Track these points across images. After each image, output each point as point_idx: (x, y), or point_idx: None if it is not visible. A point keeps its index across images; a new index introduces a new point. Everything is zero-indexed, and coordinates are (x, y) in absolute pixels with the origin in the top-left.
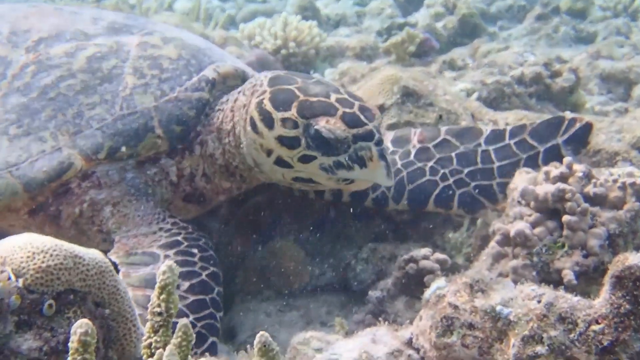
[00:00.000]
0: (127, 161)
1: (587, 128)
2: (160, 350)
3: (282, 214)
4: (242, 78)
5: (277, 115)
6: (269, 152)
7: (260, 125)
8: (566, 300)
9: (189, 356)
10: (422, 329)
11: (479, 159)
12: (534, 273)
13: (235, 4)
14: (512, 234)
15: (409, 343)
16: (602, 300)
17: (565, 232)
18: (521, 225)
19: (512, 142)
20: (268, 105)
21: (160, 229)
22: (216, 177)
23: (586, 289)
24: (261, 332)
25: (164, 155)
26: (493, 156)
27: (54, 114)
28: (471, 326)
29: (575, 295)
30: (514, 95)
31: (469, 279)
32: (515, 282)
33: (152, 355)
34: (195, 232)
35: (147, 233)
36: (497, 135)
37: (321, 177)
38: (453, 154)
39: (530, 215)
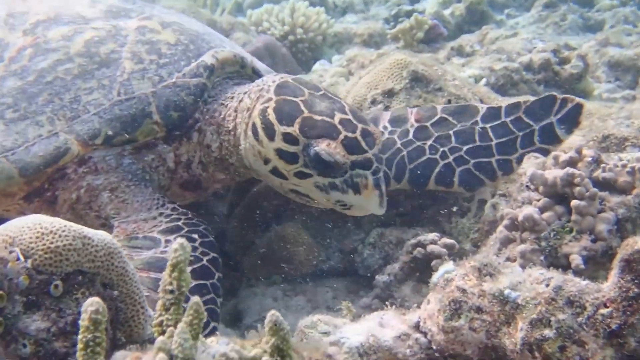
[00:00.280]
0: (124, 147)
1: (578, 108)
2: (172, 328)
3: (288, 198)
4: (241, 64)
5: (279, 129)
6: (266, 161)
7: (261, 133)
8: (574, 284)
9: (200, 334)
10: (429, 313)
11: (477, 137)
12: (542, 258)
13: None
14: (520, 218)
15: (417, 327)
16: (611, 284)
17: (573, 216)
18: (529, 210)
19: (508, 120)
20: (271, 116)
21: (160, 214)
22: (211, 167)
23: (594, 274)
24: (272, 312)
25: (161, 142)
26: (491, 134)
27: (50, 98)
28: (479, 310)
29: (584, 280)
30: (522, 82)
31: (477, 262)
32: (523, 266)
33: (163, 333)
34: (195, 217)
35: (147, 218)
36: (493, 113)
37: (316, 194)
38: (451, 132)
39: (538, 200)
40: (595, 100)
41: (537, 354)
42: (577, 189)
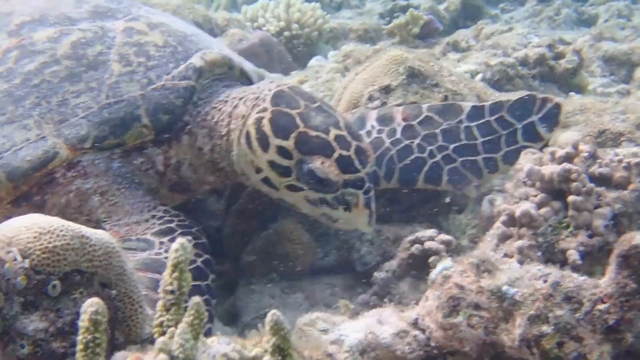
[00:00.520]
0: (113, 150)
1: (557, 107)
2: (172, 328)
3: None
4: (229, 65)
5: (274, 141)
6: (258, 170)
7: (255, 143)
8: (572, 279)
9: (201, 335)
10: (428, 310)
11: (462, 135)
12: (540, 253)
13: None
14: (517, 214)
15: (415, 324)
16: (608, 280)
17: (570, 212)
18: (527, 206)
19: (492, 118)
20: (267, 127)
21: (153, 216)
22: (201, 169)
23: (591, 269)
24: (273, 311)
25: (151, 144)
26: (476, 132)
27: (38, 101)
28: (477, 306)
29: (581, 275)
30: (518, 77)
31: (475, 259)
32: (520, 262)
33: (163, 333)
34: (187, 219)
35: (140, 221)
36: (477, 112)
37: (305, 207)
38: (437, 131)
39: (535, 196)
40: (590, 94)
41: (535, 350)
42: (574, 184)
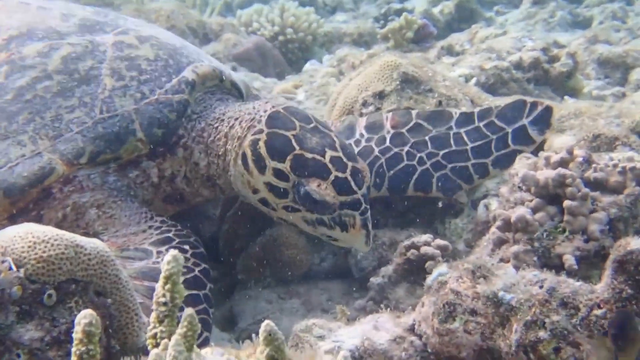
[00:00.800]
0: (108, 165)
1: (549, 110)
2: (166, 340)
3: None
4: (220, 78)
5: (270, 164)
6: (255, 191)
7: (252, 165)
8: (568, 285)
9: (194, 346)
10: (424, 316)
11: (452, 141)
12: (535, 258)
13: None
14: (513, 219)
15: (411, 329)
16: (604, 285)
17: (566, 217)
18: (522, 211)
19: (481, 124)
20: (263, 150)
21: (150, 227)
22: (197, 183)
23: (587, 274)
24: (266, 322)
25: (145, 158)
26: (466, 138)
27: (31, 117)
28: (473, 312)
29: (577, 280)
30: (512, 81)
31: (470, 265)
32: (516, 267)
33: (157, 345)
34: (185, 229)
35: (137, 232)
36: (466, 118)
37: (303, 226)
38: (427, 138)
39: (531, 201)
40: (585, 97)
41: (532, 356)
42: (569, 189)
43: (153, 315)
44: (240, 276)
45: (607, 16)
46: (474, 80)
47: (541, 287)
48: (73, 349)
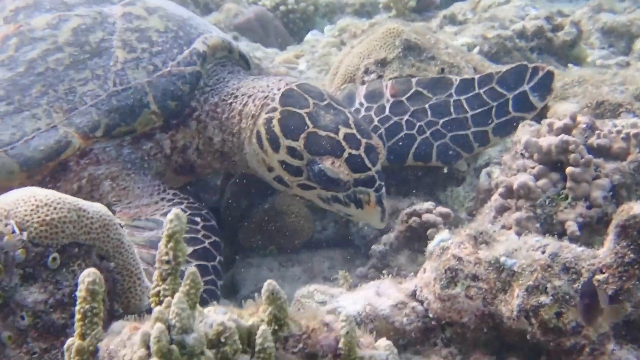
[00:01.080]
0: (123, 137)
1: (550, 75)
2: (169, 298)
3: None
4: (229, 49)
5: (284, 142)
6: (270, 169)
7: (266, 143)
8: (570, 250)
9: (197, 304)
10: (426, 281)
11: (452, 109)
12: (538, 225)
13: None
14: (515, 186)
15: (413, 295)
16: (607, 250)
17: (568, 183)
18: (524, 178)
19: (481, 90)
20: (276, 128)
21: (162, 199)
22: (209, 156)
23: (589, 240)
24: (269, 281)
25: (159, 130)
26: (466, 105)
27: (44, 89)
28: (475, 277)
29: (580, 246)
30: (516, 50)
31: (472, 230)
32: (518, 234)
33: (160, 303)
34: (197, 202)
35: (149, 203)
36: (466, 85)
37: (319, 203)
38: (427, 106)
39: (533, 168)
40: (588, 66)
41: (533, 321)
42: (572, 155)
43: (156, 273)
44: (241, 244)
45: None
46: (476, 49)
47: (543, 252)
48: (77, 307)
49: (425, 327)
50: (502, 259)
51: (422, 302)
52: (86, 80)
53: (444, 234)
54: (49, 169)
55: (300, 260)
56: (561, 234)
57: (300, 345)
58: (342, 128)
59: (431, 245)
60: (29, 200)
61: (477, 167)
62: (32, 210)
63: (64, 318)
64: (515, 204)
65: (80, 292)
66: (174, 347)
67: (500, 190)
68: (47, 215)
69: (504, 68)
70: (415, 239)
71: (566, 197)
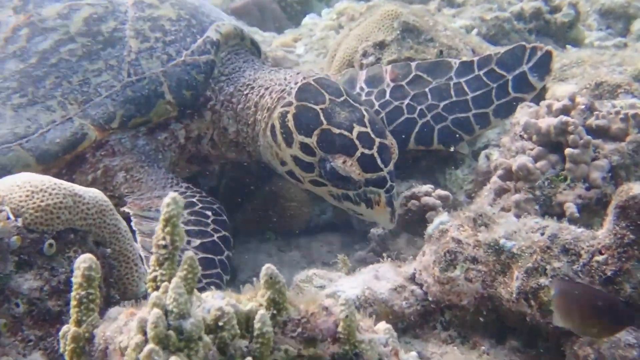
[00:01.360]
0: (138, 128)
1: (549, 55)
2: (166, 283)
3: None
4: (241, 36)
5: (297, 137)
6: (283, 163)
7: (280, 137)
8: (570, 231)
9: (195, 289)
10: (425, 264)
11: (452, 92)
12: (537, 207)
13: None
14: (514, 168)
15: (412, 278)
16: (606, 231)
17: (567, 165)
18: (523, 159)
19: (481, 72)
20: (291, 123)
21: (175, 192)
22: (223, 147)
23: (588, 222)
24: (267, 265)
25: (174, 120)
26: (466, 88)
27: (58, 81)
28: (475, 260)
29: (579, 227)
30: (514, 32)
31: (472, 213)
32: (517, 216)
33: (157, 288)
34: (209, 196)
35: (161, 196)
36: (466, 67)
37: (329, 200)
38: (427, 90)
39: (532, 149)
40: (586, 48)
41: (533, 303)
42: (571, 137)
43: (153, 258)
44: (240, 229)
45: None
46: (474, 31)
47: (542, 234)
48: (72, 294)
49: (425, 310)
50: (502, 241)
51: (421, 286)
52: (100, 71)
53: (443, 216)
54: (65, 162)
55: (298, 244)
56: (560, 216)
57: (299, 330)
58: (357, 126)
59: (430, 228)
60: (24, 186)
61: (476, 150)
62: (27, 196)
63: (60, 305)
64: (514, 186)
65: (76, 278)
66: (171, 332)
67: (499, 172)
68: (42, 201)
69: (502, 49)
70: (414, 223)
71: (565, 179)
